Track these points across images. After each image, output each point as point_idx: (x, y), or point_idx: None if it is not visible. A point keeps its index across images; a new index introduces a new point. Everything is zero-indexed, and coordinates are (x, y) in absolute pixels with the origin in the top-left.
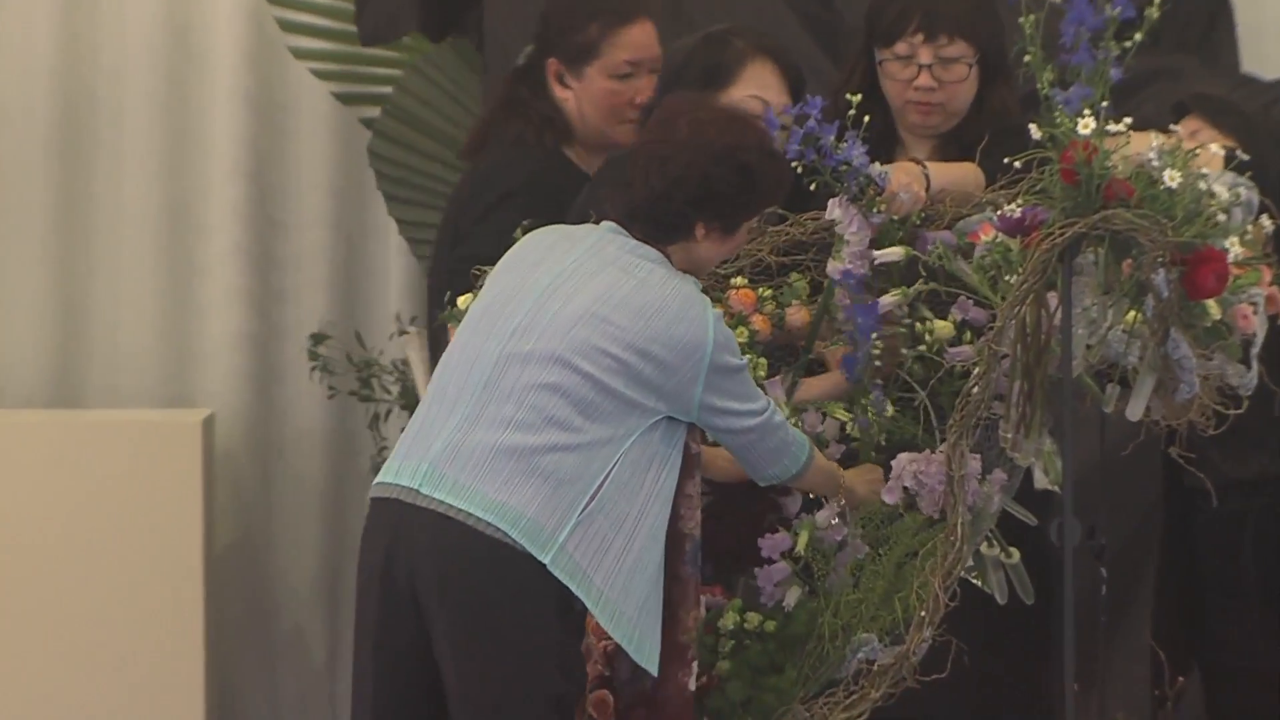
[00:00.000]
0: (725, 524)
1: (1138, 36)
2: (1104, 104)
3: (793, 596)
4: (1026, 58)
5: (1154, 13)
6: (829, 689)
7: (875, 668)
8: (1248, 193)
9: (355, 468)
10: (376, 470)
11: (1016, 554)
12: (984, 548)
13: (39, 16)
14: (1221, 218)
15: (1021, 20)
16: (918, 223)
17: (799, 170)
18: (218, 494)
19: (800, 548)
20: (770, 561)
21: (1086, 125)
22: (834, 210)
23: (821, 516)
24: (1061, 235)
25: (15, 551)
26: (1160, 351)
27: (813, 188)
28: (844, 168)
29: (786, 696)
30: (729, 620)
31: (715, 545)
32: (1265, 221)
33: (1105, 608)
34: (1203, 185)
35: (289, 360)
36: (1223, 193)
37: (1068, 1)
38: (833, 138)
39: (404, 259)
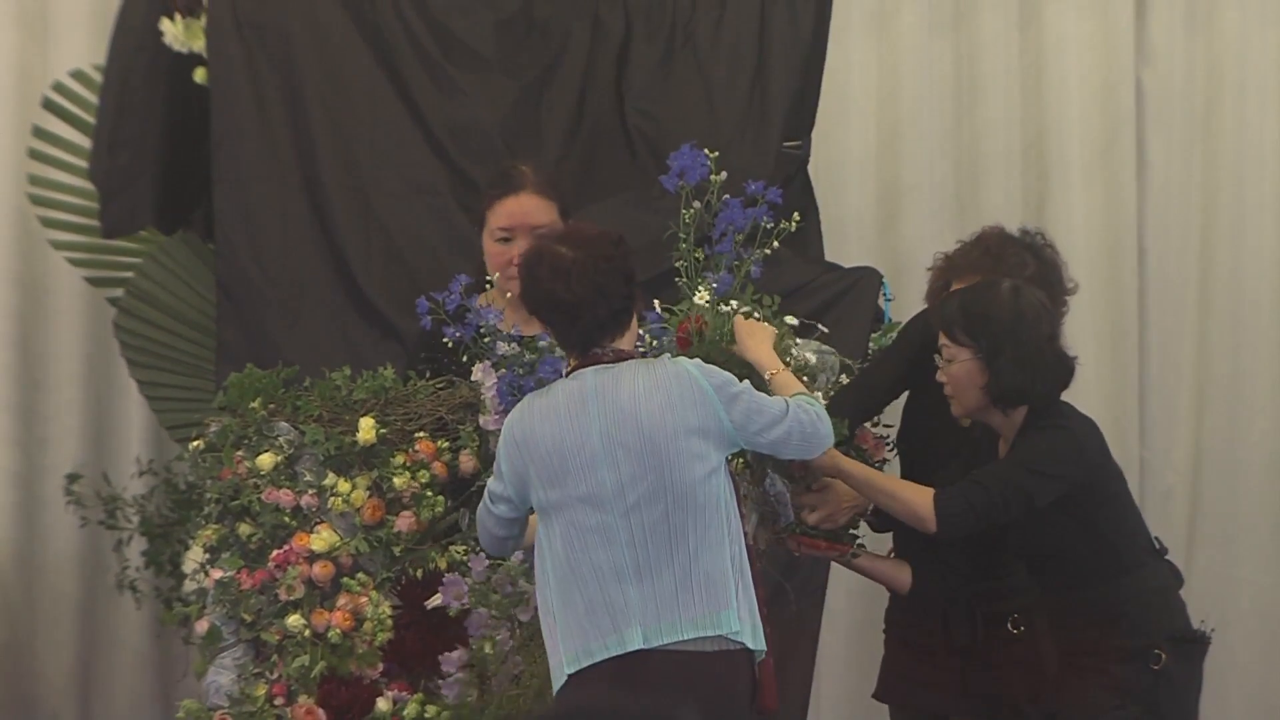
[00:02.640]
0: (412, 632)
1: (775, 243)
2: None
3: (472, 697)
4: (682, 245)
5: (790, 226)
6: None
7: None
8: (829, 359)
9: (102, 584)
10: (121, 586)
11: None
12: None
13: None
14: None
15: (684, 211)
16: None
17: (449, 344)
18: None
19: (488, 649)
20: (450, 675)
21: (702, 296)
22: (478, 374)
23: (502, 637)
24: None
25: None
26: (759, 490)
27: (465, 358)
28: (485, 335)
29: None
30: (412, 710)
31: (402, 650)
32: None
33: None
34: (795, 352)
35: (49, 495)
36: (812, 358)
37: (723, 202)
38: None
39: (143, 412)
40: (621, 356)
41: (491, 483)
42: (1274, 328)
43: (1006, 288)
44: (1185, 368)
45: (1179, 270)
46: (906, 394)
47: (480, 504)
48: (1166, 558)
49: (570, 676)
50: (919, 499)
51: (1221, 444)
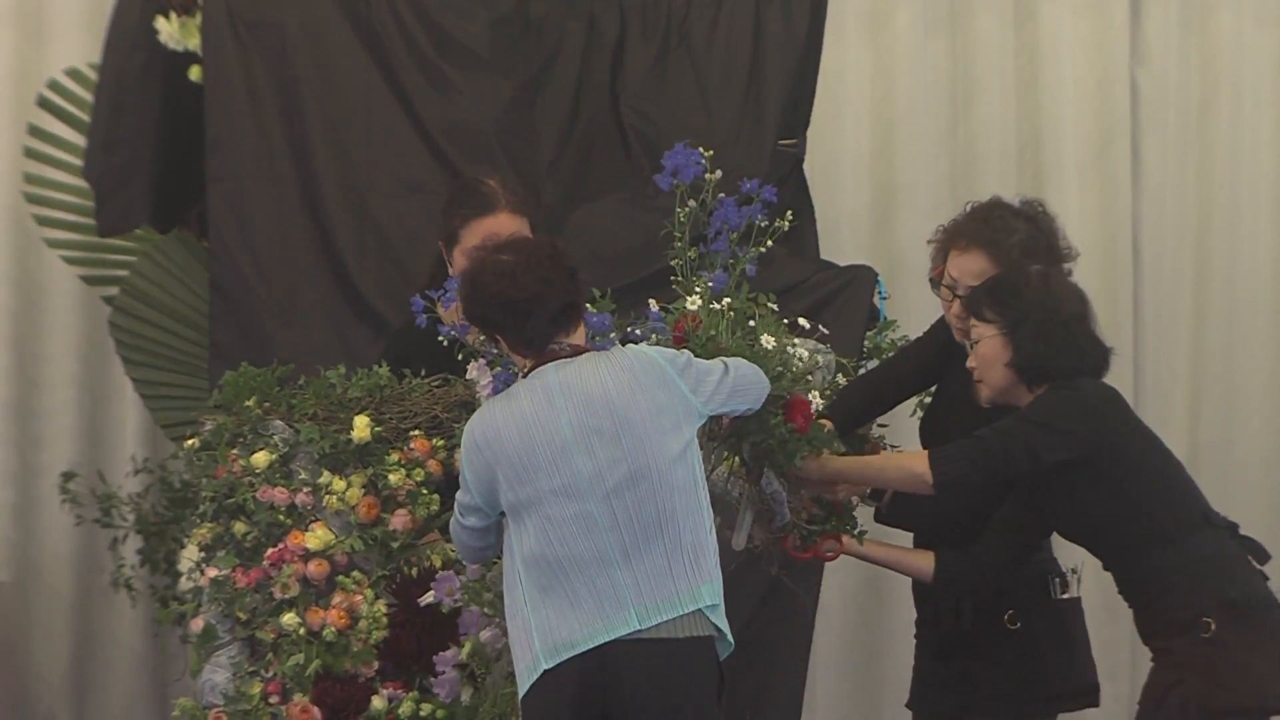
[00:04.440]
0: (407, 630)
1: (770, 242)
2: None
3: (466, 695)
4: (677, 244)
5: (784, 224)
6: None
7: None
8: (825, 357)
9: (97, 582)
10: (116, 585)
11: None
12: None
13: None
14: (797, 366)
15: (678, 210)
16: None
17: (444, 343)
18: None
19: (464, 655)
20: (443, 673)
21: (694, 302)
22: (473, 372)
23: (485, 635)
24: None
25: None
26: (755, 489)
27: (460, 357)
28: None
29: None
30: (407, 708)
31: (397, 648)
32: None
33: None
34: (790, 349)
35: (44, 494)
36: (804, 353)
37: (718, 200)
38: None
39: (138, 411)
40: (578, 350)
41: (459, 495)
42: (1269, 326)
43: (1036, 270)
44: (1180, 366)
45: (1174, 269)
46: (923, 414)
47: (451, 520)
48: (1241, 533)
49: (546, 673)
50: (912, 459)
51: (1217, 442)
